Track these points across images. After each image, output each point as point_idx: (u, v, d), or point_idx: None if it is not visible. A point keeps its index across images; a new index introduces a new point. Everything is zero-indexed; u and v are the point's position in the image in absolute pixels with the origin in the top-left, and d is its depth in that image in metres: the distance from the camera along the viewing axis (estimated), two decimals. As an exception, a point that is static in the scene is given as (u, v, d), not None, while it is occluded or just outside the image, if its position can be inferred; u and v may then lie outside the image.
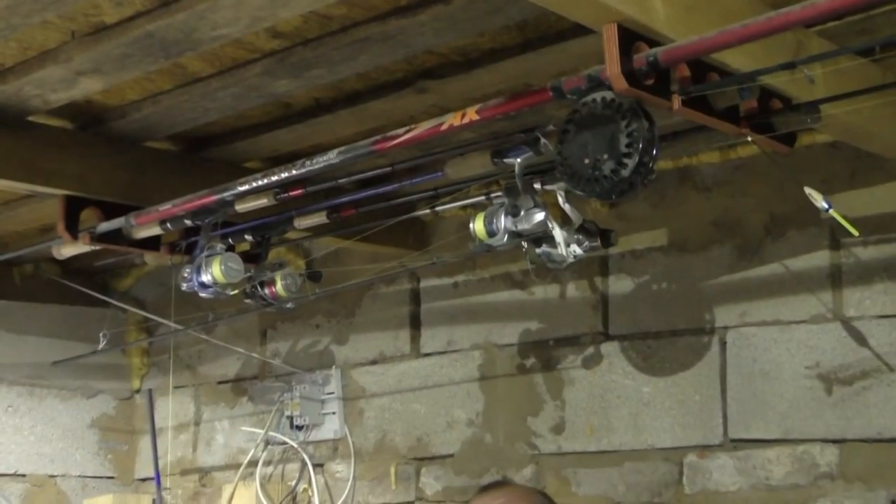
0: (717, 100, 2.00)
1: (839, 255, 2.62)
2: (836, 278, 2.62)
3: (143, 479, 3.93)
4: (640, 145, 1.85)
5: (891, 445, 2.50)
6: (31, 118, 2.62)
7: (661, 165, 2.65)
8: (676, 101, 1.90)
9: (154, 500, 3.71)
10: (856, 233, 2.18)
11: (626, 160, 1.85)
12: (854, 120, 2.17)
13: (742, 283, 2.75)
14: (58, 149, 2.70)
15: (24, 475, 3.79)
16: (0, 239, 3.54)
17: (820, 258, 2.64)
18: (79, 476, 3.90)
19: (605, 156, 1.87)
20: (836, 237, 2.61)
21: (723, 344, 2.77)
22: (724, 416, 2.74)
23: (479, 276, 3.20)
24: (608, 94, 1.86)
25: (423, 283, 3.34)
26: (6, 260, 3.58)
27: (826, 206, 2.09)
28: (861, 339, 2.57)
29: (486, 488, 2.16)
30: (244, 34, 2.21)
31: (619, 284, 2.95)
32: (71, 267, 3.77)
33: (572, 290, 3.02)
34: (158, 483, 3.56)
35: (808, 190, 2.09)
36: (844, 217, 2.15)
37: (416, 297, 3.36)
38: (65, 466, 3.87)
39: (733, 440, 2.72)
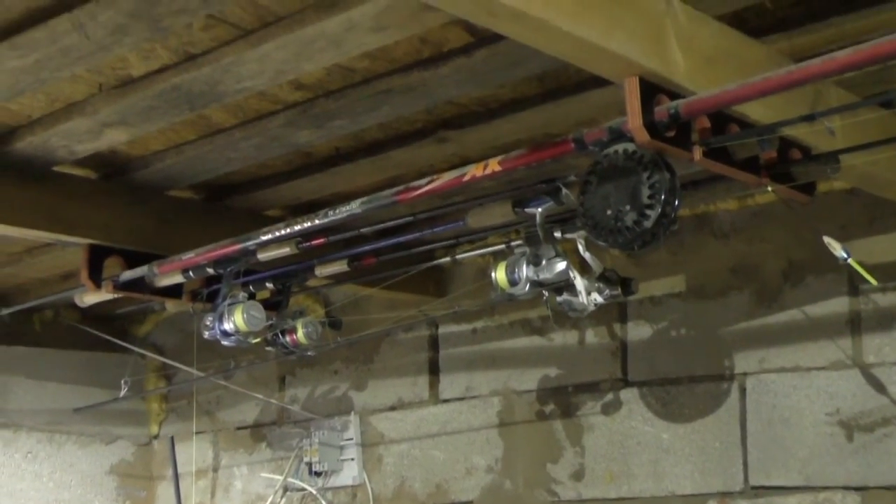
0: (737, 151, 2.01)
1: (858, 302, 2.62)
2: (855, 325, 2.62)
3: (162, 526, 3.93)
4: (663, 196, 1.86)
5: (913, 492, 2.50)
6: (56, 168, 2.65)
7: (682, 213, 2.66)
8: (698, 153, 1.90)
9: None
10: (874, 282, 2.18)
11: (648, 211, 1.86)
12: (873, 169, 2.18)
13: (761, 330, 2.76)
14: (82, 198, 2.72)
15: (43, 522, 3.79)
16: (22, 286, 3.55)
17: (839, 304, 2.64)
18: (97, 522, 3.90)
19: (628, 207, 1.87)
20: (854, 284, 2.61)
21: (742, 390, 2.76)
22: (745, 463, 2.73)
23: (497, 322, 3.20)
24: (630, 146, 1.87)
25: (442, 329, 3.34)
26: (26, 309, 3.60)
27: (845, 255, 2.09)
28: (881, 386, 2.56)
29: None
30: (268, 86, 2.24)
31: (638, 331, 2.96)
32: (90, 313, 3.78)
33: (591, 336, 3.03)
34: (179, 530, 3.57)
35: (826, 239, 2.09)
36: (863, 265, 2.16)
37: (434, 343, 3.36)
38: (85, 513, 3.87)
39: (754, 487, 2.71)
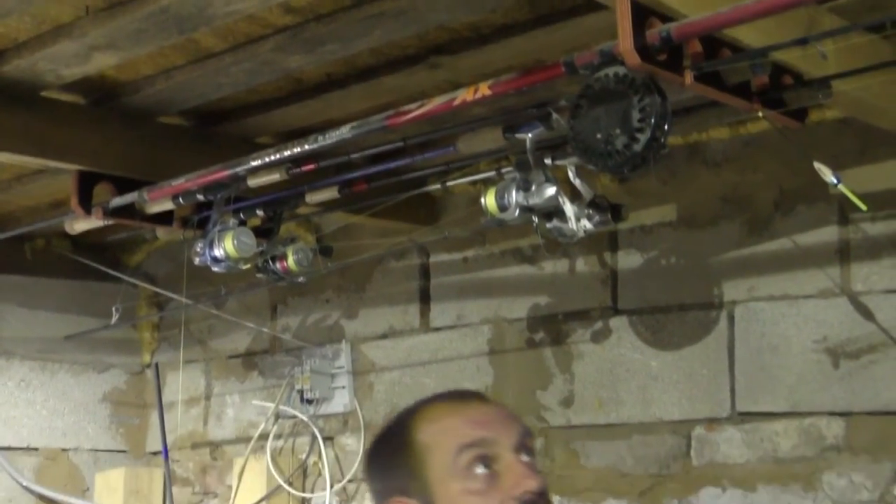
0: (729, 75, 2.00)
1: (847, 231, 2.63)
2: (844, 253, 2.62)
3: (155, 453, 3.95)
4: (653, 120, 1.86)
5: (897, 418, 2.53)
6: (44, 93, 2.63)
7: (671, 142, 2.65)
8: (689, 77, 1.90)
9: (164, 473, 3.73)
10: (864, 207, 2.18)
11: (638, 135, 1.86)
12: (864, 96, 2.17)
13: (750, 258, 2.76)
14: (71, 124, 2.70)
15: (36, 449, 3.81)
16: (12, 214, 3.55)
17: (828, 233, 2.65)
18: (90, 450, 3.93)
19: (618, 130, 1.87)
20: (844, 213, 2.61)
21: (731, 318, 2.77)
22: (732, 390, 2.75)
23: (488, 251, 3.20)
24: (621, 70, 1.87)
25: (433, 259, 3.34)
26: (18, 235, 3.60)
27: (835, 180, 2.09)
28: (868, 314, 2.57)
29: (460, 396, 1.65)
30: (258, 10, 2.21)
31: (629, 259, 2.96)
32: (82, 242, 3.78)
33: (581, 264, 3.03)
34: (166, 456, 3.58)
35: (817, 165, 2.10)
36: (853, 192, 2.16)
37: (425, 272, 3.37)
38: (77, 440, 3.90)
39: (741, 413, 2.73)
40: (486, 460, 1.48)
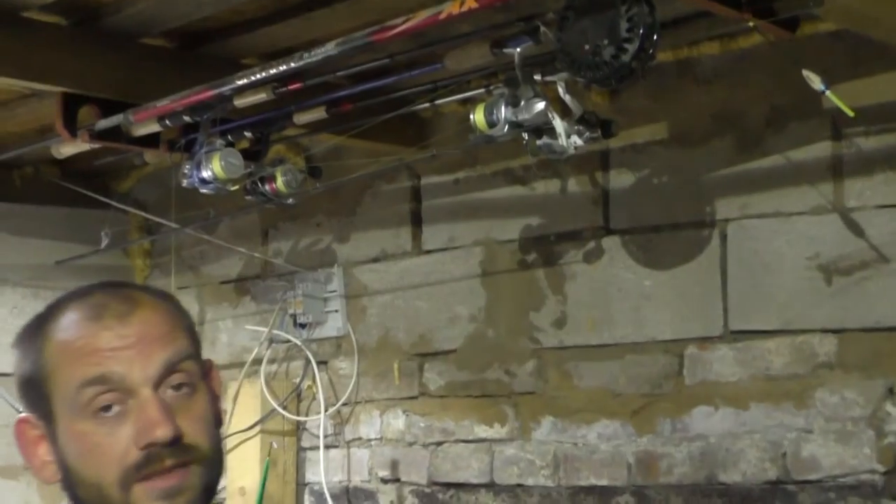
0: (719, -16, 1.98)
1: (840, 146, 2.61)
2: (836, 169, 2.61)
3: (149, 379, 3.97)
4: (641, 30, 1.84)
5: (889, 334, 2.51)
6: (24, 14, 2.59)
7: (661, 57, 2.62)
8: (678, -15, 1.87)
9: (160, 399, 3.73)
10: (852, 114, 2.17)
11: (626, 45, 1.85)
12: (857, 5, 2.14)
13: (742, 176, 2.74)
14: (53, 45, 2.67)
15: (31, 375, 3.82)
16: (-1, 141, 3.53)
17: (821, 149, 2.62)
18: (85, 376, 3.94)
19: (606, 41, 1.86)
20: (837, 127, 2.59)
21: (723, 236, 2.77)
22: (725, 308, 2.75)
23: (479, 172, 3.19)
24: (608, -22, 1.84)
25: (424, 181, 3.33)
26: (6, 162, 3.59)
27: (823, 87, 2.08)
28: (860, 230, 2.56)
29: (122, 291, 1.38)
30: (238, -78, 2.18)
31: (620, 179, 2.94)
32: (71, 169, 3.77)
33: (573, 185, 3.02)
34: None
35: (805, 72, 2.09)
36: (841, 100, 2.14)
37: (416, 195, 3.36)
38: (71, 366, 3.91)
39: (733, 331, 2.73)
40: (111, 400, 1.27)
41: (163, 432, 1.24)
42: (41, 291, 3.85)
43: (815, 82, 2.07)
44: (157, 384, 1.27)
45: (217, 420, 1.34)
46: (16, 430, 1.33)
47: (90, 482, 1.29)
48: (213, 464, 1.32)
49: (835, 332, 2.59)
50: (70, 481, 1.31)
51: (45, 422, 1.31)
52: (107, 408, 1.26)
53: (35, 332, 1.32)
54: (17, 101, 3.17)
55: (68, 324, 1.30)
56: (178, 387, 1.28)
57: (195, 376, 1.31)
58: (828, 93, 2.07)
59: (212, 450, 1.31)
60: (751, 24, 2.05)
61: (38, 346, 1.31)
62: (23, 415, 1.33)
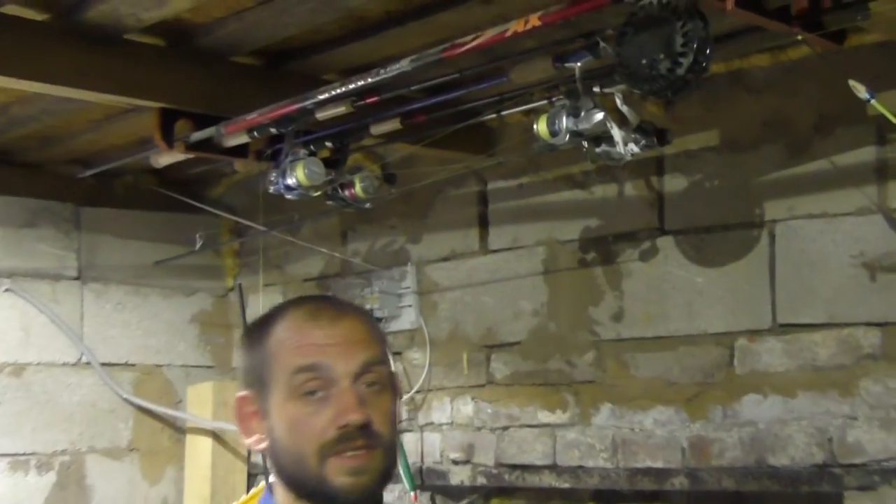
0: (769, 0, 1.94)
1: (885, 151, 2.56)
2: (881, 172, 2.56)
3: (239, 368, 4.00)
4: (695, 44, 1.82)
5: (932, 328, 2.48)
6: (126, 36, 2.63)
7: (714, 69, 2.60)
8: (730, 2, 1.85)
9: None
10: None
11: (681, 59, 1.83)
12: (902, 18, 2.10)
13: (791, 179, 2.71)
14: (151, 65, 2.71)
15: (133, 365, 3.88)
16: (103, 152, 3.57)
17: (866, 154, 2.58)
18: (182, 365, 3.99)
19: (662, 55, 1.85)
20: (882, 133, 2.54)
21: (772, 236, 2.73)
22: (773, 303, 2.72)
23: (542, 177, 3.18)
24: (664, -4, 1.82)
25: (490, 186, 3.33)
26: (109, 172, 3.64)
27: (868, 96, 2.04)
28: (904, 230, 2.52)
29: (331, 303, 1.58)
30: (320, -50, 2.19)
31: (674, 183, 2.92)
32: (168, 177, 3.81)
33: (630, 189, 3.00)
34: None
35: (852, 82, 2.05)
36: (886, 108, 2.10)
37: (483, 199, 3.35)
38: (169, 357, 3.96)
39: (781, 325, 2.70)
40: (318, 386, 1.42)
41: (357, 417, 1.39)
42: (141, 289, 3.91)
43: (861, 91, 2.03)
44: (356, 378, 1.42)
45: (397, 419, 1.49)
46: (235, 405, 1.50)
47: (293, 451, 1.43)
48: (392, 452, 1.47)
49: (878, 325, 2.54)
50: (276, 449, 1.46)
51: (261, 400, 1.47)
52: (313, 392, 1.42)
53: (260, 328, 1.50)
54: (118, 116, 3.22)
55: (289, 323, 1.47)
56: (371, 384, 1.43)
57: (384, 379, 1.45)
58: (873, 101, 2.03)
59: (392, 440, 1.46)
60: (799, 37, 2.02)
61: (263, 339, 1.48)
62: (241, 393, 1.50)
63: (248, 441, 1.50)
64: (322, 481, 1.42)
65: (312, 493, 1.44)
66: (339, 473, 1.42)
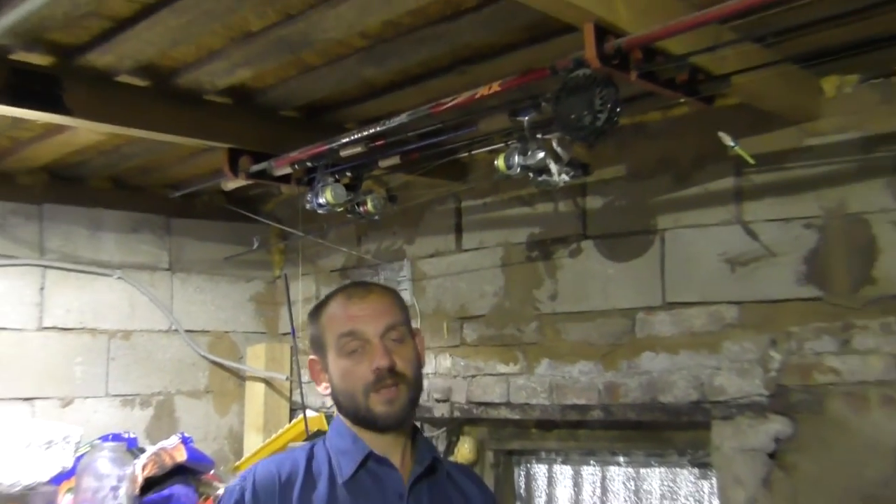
0: (660, 74, 1.96)
1: (741, 180, 2.58)
2: (738, 195, 2.58)
3: (285, 334, 3.99)
4: (609, 104, 1.83)
5: (773, 304, 2.49)
6: (205, 97, 2.63)
7: (622, 122, 2.58)
8: (633, 75, 1.87)
9: (291, 346, 3.77)
10: (752, 161, 2.15)
11: (599, 115, 1.83)
12: (753, 87, 2.12)
13: (676, 200, 2.72)
14: (223, 117, 2.71)
15: (208, 331, 3.86)
16: (187, 179, 3.57)
17: (727, 182, 2.60)
18: (243, 332, 3.96)
19: (585, 112, 1.85)
20: (739, 168, 2.56)
21: (662, 240, 2.74)
22: (663, 288, 2.72)
23: (500, 197, 3.17)
24: (587, 71, 1.84)
25: (464, 204, 3.31)
26: (191, 193, 3.63)
27: (733, 143, 2.06)
28: (754, 235, 2.54)
29: (361, 285, 1.58)
30: (343, 36, 2.19)
31: (594, 202, 2.92)
32: (233, 197, 3.80)
33: (562, 206, 3.00)
34: (294, 334, 3.61)
35: (720, 133, 2.07)
36: (745, 151, 2.12)
37: (458, 213, 3.33)
38: (234, 325, 3.94)
39: (669, 303, 2.71)
40: (357, 346, 1.47)
41: (384, 362, 1.45)
42: (214, 277, 3.89)
43: (727, 140, 2.05)
44: (382, 336, 1.48)
45: (419, 362, 1.54)
46: (308, 365, 1.56)
47: (346, 393, 1.50)
48: (415, 386, 1.52)
49: (736, 303, 2.56)
50: (336, 391, 1.52)
51: (323, 360, 1.53)
52: (354, 351, 1.48)
53: (318, 311, 1.57)
54: (198, 154, 3.22)
55: (334, 304, 1.54)
56: (395, 339, 1.49)
57: (405, 334, 1.51)
58: (736, 147, 2.05)
59: (414, 377, 1.51)
60: (682, 100, 2.03)
61: (319, 318, 1.55)
62: (311, 357, 1.56)
63: (319, 388, 1.54)
64: (368, 411, 1.47)
65: (363, 420, 1.49)
66: (378, 404, 1.47)
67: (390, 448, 1.50)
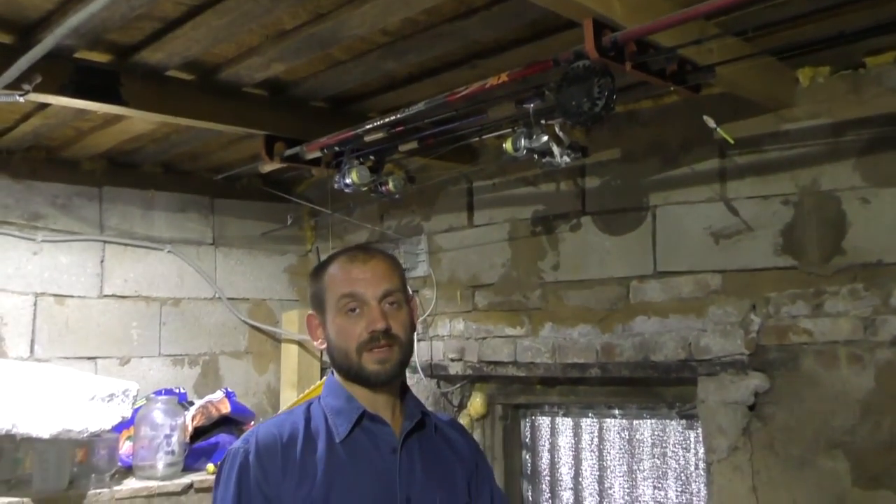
0: (652, 65, 1.96)
1: (724, 161, 2.58)
2: (722, 175, 2.58)
3: (315, 301, 4.01)
4: (606, 93, 1.84)
5: (752, 273, 2.50)
6: (244, 89, 2.65)
7: (618, 109, 2.61)
8: (628, 66, 1.87)
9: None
10: (732, 141, 2.15)
11: (598, 102, 1.84)
12: (735, 77, 2.12)
13: (665, 180, 2.72)
14: (260, 108, 2.72)
15: (248, 299, 3.89)
16: (230, 163, 3.59)
17: (712, 163, 2.60)
18: (279, 300, 3.99)
19: (585, 100, 1.86)
20: (723, 150, 2.56)
21: (654, 216, 2.75)
22: (654, 258, 2.73)
23: (507, 178, 3.18)
24: (587, 62, 1.84)
25: (475, 184, 3.32)
26: (232, 176, 3.65)
27: (714, 125, 2.06)
28: (736, 212, 2.54)
29: (364, 250, 1.52)
30: (367, 33, 2.20)
31: (592, 181, 2.93)
32: (269, 179, 3.82)
33: (563, 185, 3.01)
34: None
35: (705, 117, 2.07)
36: (726, 133, 2.12)
37: (470, 192, 3.34)
38: (271, 293, 3.97)
39: (660, 272, 2.72)
40: (356, 306, 1.40)
41: (381, 324, 1.40)
42: (252, 251, 3.92)
43: (710, 122, 2.05)
44: (380, 300, 1.41)
45: (412, 326, 1.47)
46: (306, 320, 1.49)
47: (341, 349, 1.43)
48: (407, 348, 1.45)
49: (720, 272, 2.57)
50: (331, 348, 1.45)
51: (321, 316, 1.46)
52: (352, 310, 1.42)
53: (320, 269, 1.49)
54: (238, 140, 3.24)
55: (337, 265, 1.46)
56: (391, 303, 1.42)
57: (402, 300, 1.44)
58: (718, 129, 2.05)
59: (406, 340, 1.44)
60: (672, 88, 2.03)
61: (322, 276, 1.47)
62: (310, 312, 1.48)
63: (315, 343, 1.48)
64: (361, 368, 1.42)
65: (356, 377, 1.43)
66: (371, 363, 1.41)
67: (382, 405, 1.44)
